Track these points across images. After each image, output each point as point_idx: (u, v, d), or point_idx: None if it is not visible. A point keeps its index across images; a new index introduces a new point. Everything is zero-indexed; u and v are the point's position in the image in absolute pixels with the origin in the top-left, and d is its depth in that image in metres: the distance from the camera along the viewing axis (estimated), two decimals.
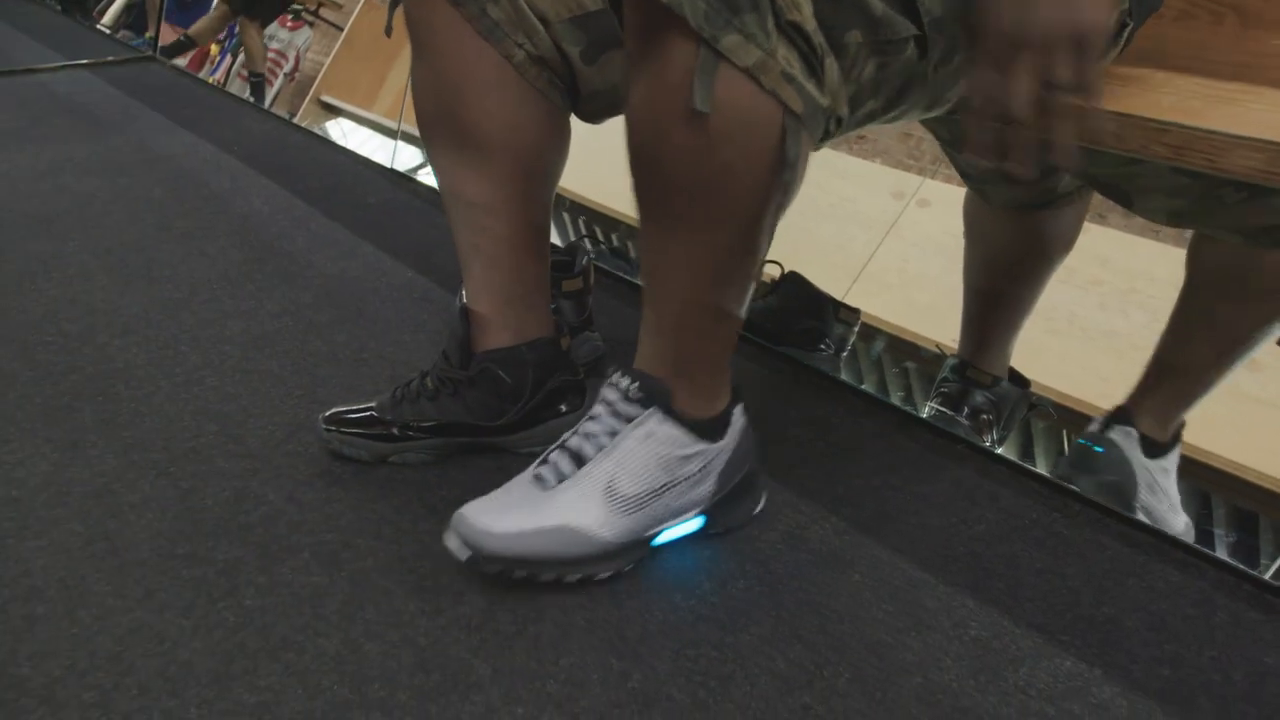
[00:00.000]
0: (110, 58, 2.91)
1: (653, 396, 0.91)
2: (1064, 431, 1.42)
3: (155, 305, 1.40)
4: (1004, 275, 1.36)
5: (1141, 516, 1.13)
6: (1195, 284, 1.13)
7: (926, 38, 0.79)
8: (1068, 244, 1.31)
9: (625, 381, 0.92)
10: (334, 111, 3.06)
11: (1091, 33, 0.66)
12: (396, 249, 1.64)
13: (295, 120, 2.51)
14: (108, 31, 3.42)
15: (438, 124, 1.01)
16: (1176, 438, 1.19)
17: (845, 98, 0.78)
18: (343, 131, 2.49)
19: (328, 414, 1.07)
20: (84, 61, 2.84)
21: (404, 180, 2.01)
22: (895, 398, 1.39)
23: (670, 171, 0.77)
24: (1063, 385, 1.49)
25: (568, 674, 0.83)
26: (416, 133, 2.45)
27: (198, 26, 2.91)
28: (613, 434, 0.91)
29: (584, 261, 1.26)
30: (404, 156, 2.16)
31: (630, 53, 0.76)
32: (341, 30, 2.68)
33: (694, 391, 0.92)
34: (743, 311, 0.90)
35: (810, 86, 0.73)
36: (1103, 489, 1.16)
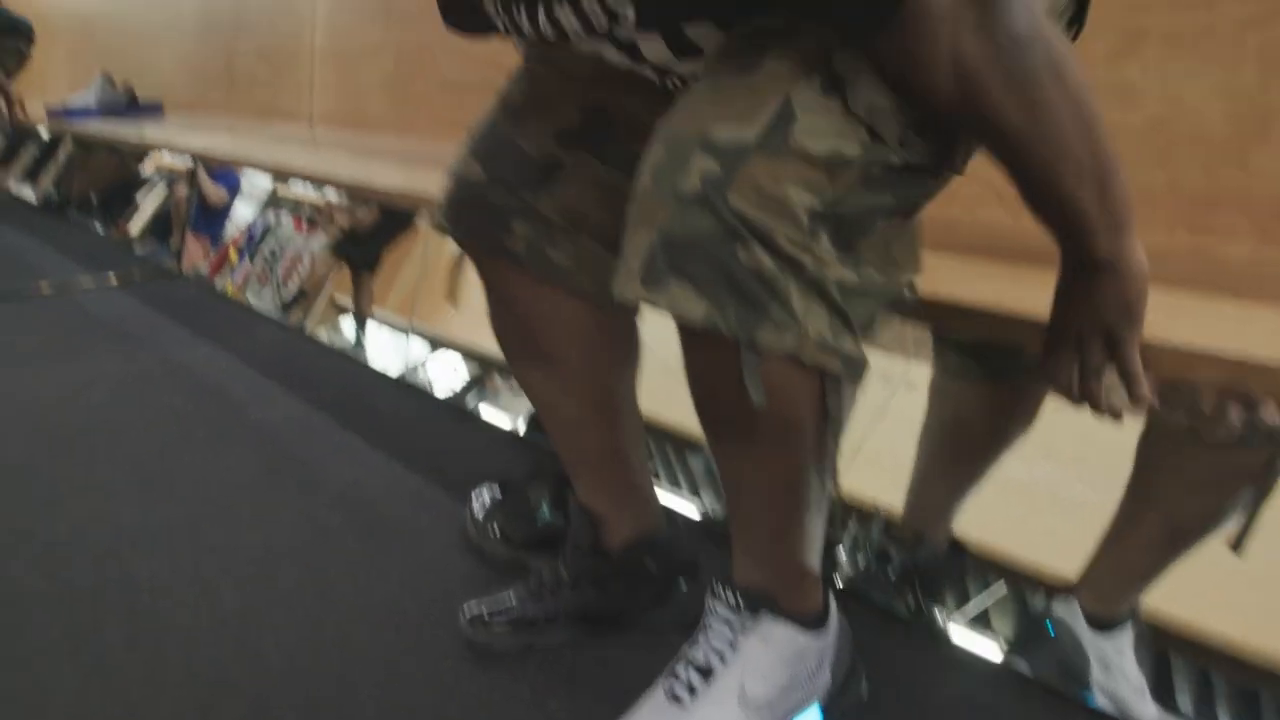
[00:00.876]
0: (137, 275, 3.08)
1: (759, 603, 0.98)
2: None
3: (178, 518, 1.47)
4: (956, 442, 1.42)
5: (1103, 701, 1.15)
6: (1140, 469, 1.18)
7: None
8: (1027, 419, 1.36)
9: (729, 594, 1.00)
10: (345, 310, 3.21)
11: (1140, 329, 0.78)
12: (407, 457, 1.72)
13: (311, 315, 2.64)
14: (134, 242, 3.61)
15: (521, 355, 1.13)
16: (1131, 616, 1.21)
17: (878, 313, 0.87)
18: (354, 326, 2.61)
19: (470, 609, 1.15)
20: (113, 280, 3.01)
21: (412, 390, 2.12)
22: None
23: (733, 427, 0.87)
24: (1043, 558, 1.53)
25: None
26: (427, 329, 2.59)
27: (313, 279, 3.03)
28: (732, 644, 0.99)
29: None
30: (415, 352, 2.27)
31: (682, 344, 0.85)
32: None
33: (793, 591, 0.99)
34: (823, 516, 0.97)
35: (845, 342, 0.79)
36: (1052, 665, 1.20)
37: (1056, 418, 1.35)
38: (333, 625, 1.22)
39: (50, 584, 1.28)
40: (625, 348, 1.15)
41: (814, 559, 1.00)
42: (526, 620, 1.15)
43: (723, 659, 0.99)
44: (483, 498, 1.43)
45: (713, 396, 0.85)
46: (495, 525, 1.36)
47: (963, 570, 1.48)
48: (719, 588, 1.02)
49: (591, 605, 1.18)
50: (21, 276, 3.08)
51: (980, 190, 1.36)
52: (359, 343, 2.33)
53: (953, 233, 1.03)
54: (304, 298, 2.96)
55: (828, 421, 0.84)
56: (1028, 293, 0.90)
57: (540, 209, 1.04)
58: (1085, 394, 0.81)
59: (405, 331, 2.46)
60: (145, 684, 1.10)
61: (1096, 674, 1.20)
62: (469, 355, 2.22)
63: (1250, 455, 1.05)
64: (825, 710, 1.06)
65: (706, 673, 0.99)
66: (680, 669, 1.01)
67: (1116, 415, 0.81)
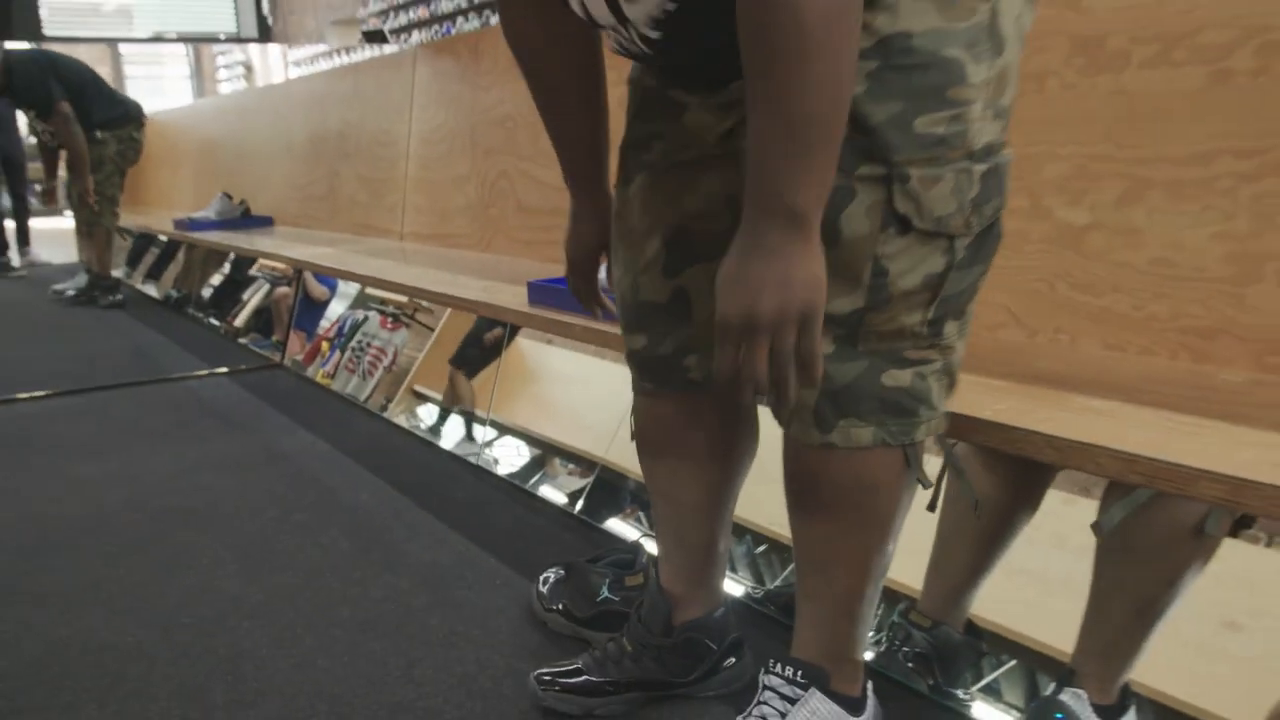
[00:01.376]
0: (244, 365, 3.36)
1: (813, 679, 1.08)
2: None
3: (277, 592, 1.63)
4: (971, 528, 1.45)
5: None
6: (1101, 548, 1.21)
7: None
8: (1033, 505, 1.40)
9: (788, 670, 1.10)
10: (424, 399, 3.40)
11: (810, 311, 0.80)
12: (481, 538, 1.86)
13: (391, 405, 2.83)
14: (239, 333, 3.89)
15: (658, 451, 1.24)
16: (1126, 698, 1.24)
17: None
18: (431, 415, 2.78)
19: (540, 675, 1.28)
20: (223, 369, 3.30)
21: (487, 476, 2.27)
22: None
23: (831, 510, 1.00)
24: (1064, 644, 1.58)
25: None
26: (499, 419, 2.74)
27: (395, 372, 3.25)
28: (783, 715, 1.08)
29: (644, 560, 1.46)
30: (480, 436, 2.42)
31: (790, 447, 1.02)
32: (433, 331, 3.04)
33: (843, 669, 1.09)
34: (878, 593, 1.09)
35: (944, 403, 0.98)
36: None
37: (1067, 509, 1.42)
38: (415, 692, 1.34)
39: (165, 647, 1.44)
40: (749, 440, 1.26)
41: (865, 639, 1.11)
42: (590, 687, 1.27)
43: None
44: (549, 578, 1.56)
45: (814, 487, 0.99)
46: (561, 603, 1.49)
47: (978, 652, 1.54)
48: (776, 663, 1.11)
49: (651, 676, 1.28)
50: (144, 364, 3.40)
51: (997, 313, 1.48)
52: (470, 437, 2.51)
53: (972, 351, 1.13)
54: (385, 386, 3.16)
55: (910, 491, 0.98)
56: (1040, 408, 1.04)
57: (696, 336, 1.11)
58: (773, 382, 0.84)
59: (483, 421, 2.62)
60: None
61: None
62: (531, 440, 2.36)
63: (1188, 515, 1.08)
64: None
65: None
66: None
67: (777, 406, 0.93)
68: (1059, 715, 1.31)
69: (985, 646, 1.49)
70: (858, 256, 0.87)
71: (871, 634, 1.61)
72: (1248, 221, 1.23)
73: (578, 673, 1.28)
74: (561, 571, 1.55)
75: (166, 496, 2.06)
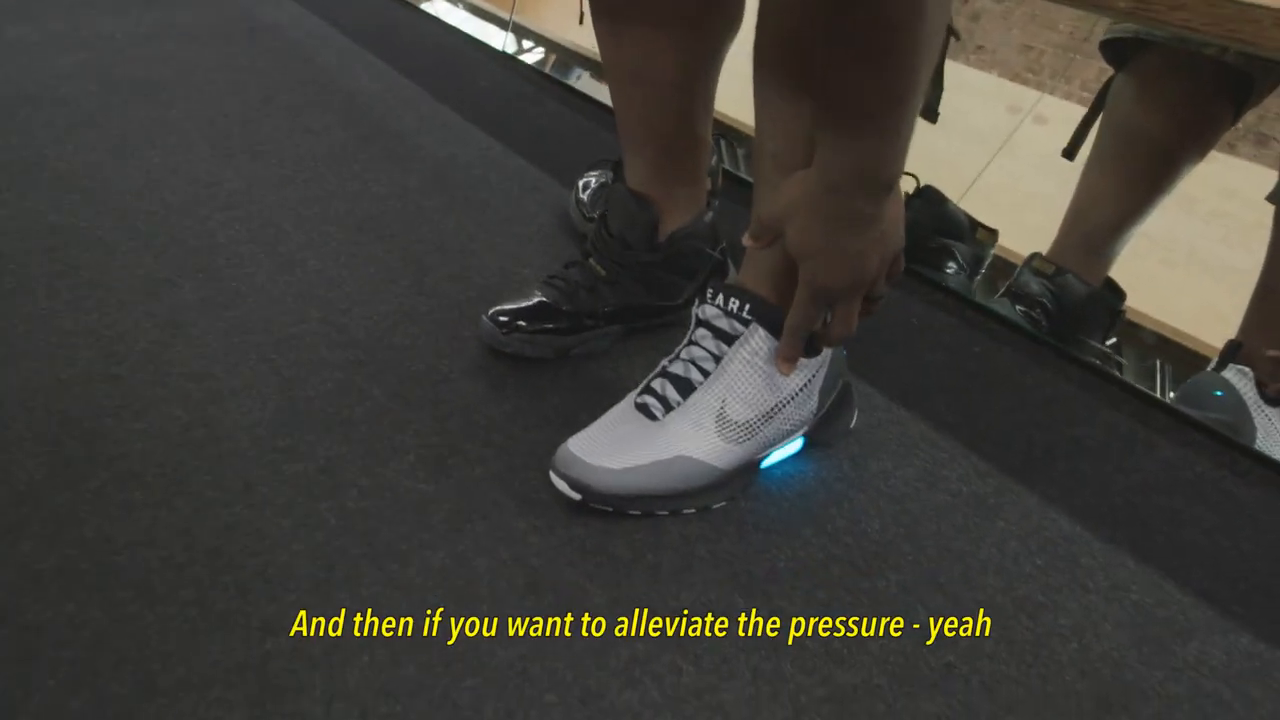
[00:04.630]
0: None
1: (760, 314, 0.83)
2: (1159, 363, 1.31)
3: (258, 180, 1.34)
4: (1130, 157, 1.27)
5: None
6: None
7: None
8: (1205, 143, 1.22)
9: (732, 301, 0.84)
10: None
11: (872, 283, 0.77)
12: (508, 135, 1.55)
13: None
14: None
15: (630, 2, 0.93)
16: None
17: None
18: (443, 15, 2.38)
19: (497, 315, 1.01)
20: None
21: (516, 65, 1.91)
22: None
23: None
24: (1177, 321, 1.38)
25: (690, 610, 0.76)
26: (526, 25, 2.35)
27: None
28: (717, 357, 0.85)
29: (713, 161, 1.15)
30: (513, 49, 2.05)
31: None
32: None
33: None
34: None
35: None
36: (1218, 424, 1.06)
37: (1202, 168, 1.22)
38: (426, 304, 1.10)
39: (124, 234, 1.18)
40: (731, 11, 0.96)
41: None
42: (561, 323, 1.02)
43: (705, 372, 0.85)
44: (589, 182, 1.27)
45: None
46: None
47: (1111, 310, 1.30)
48: (713, 293, 0.86)
49: (633, 301, 1.05)
50: None
51: None
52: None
53: None
54: None
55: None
56: None
57: None
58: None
59: (505, 25, 2.21)
60: (221, 340, 1.00)
61: (1261, 443, 1.06)
62: (566, 52, 1.99)
63: None
64: (810, 440, 0.94)
65: (686, 387, 0.86)
66: (657, 382, 0.87)
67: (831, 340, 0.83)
68: (1218, 393, 1.09)
69: (1123, 306, 1.26)
70: None
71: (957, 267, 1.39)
72: None
73: (543, 309, 1.01)
74: (610, 174, 1.25)
75: (123, 66, 1.71)
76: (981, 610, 0.80)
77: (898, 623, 0.77)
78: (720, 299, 0.85)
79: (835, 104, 0.67)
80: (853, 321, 0.79)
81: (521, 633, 0.72)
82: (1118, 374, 1.14)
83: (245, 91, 1.65)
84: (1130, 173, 1.27)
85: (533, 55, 2.01)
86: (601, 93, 1.74)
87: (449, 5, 2.41)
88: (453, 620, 0.73)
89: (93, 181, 1.29)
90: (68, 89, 1.57)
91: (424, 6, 2.34)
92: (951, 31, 1.25)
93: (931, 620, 0.78)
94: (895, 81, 0.63)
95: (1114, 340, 1.31)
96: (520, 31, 2.09)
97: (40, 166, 1.32)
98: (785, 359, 0.83)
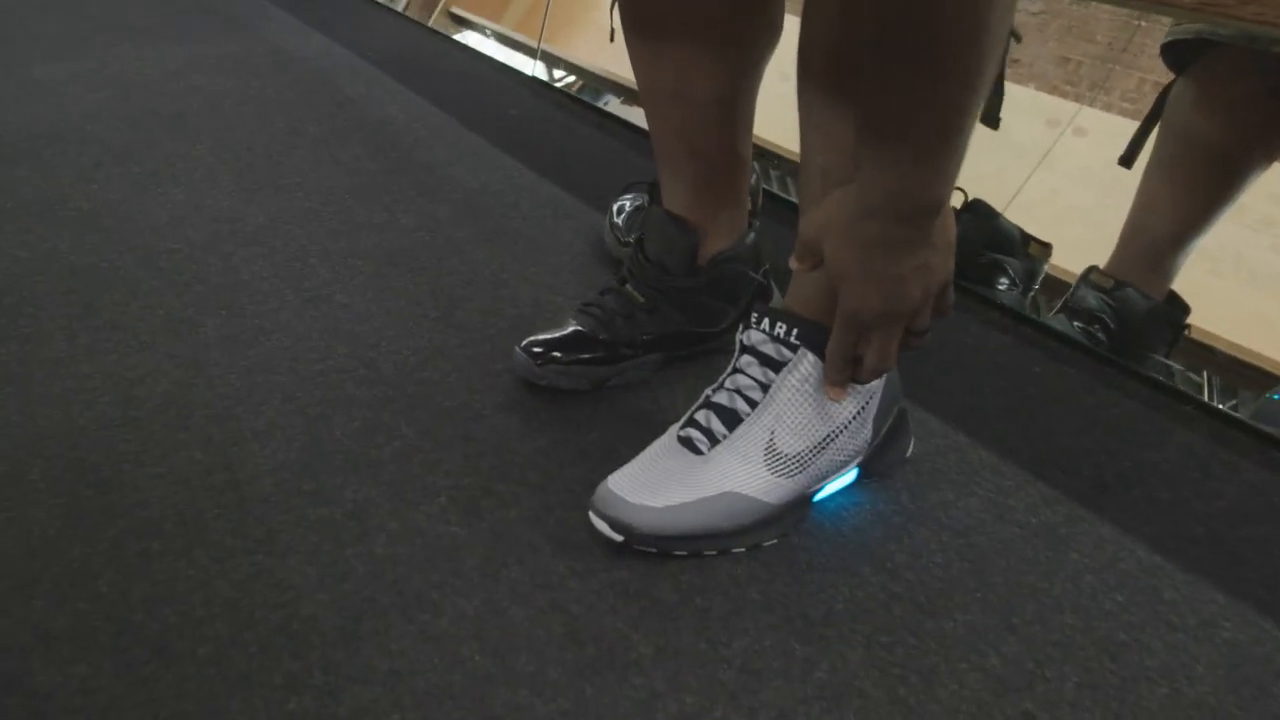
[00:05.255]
0: None
1: (809, 338, 0.78)
2: (1205, 374, 1.24)
3: (284, 214, 1.31)
4: (1190, 164, 1.22)
5: None
6: None
7: None
8: (1272, 149, 1.16)
9: (779, 326, 0.79)
10: (462, 24, 2.94)
11: (911, 315, 0.72)
12: (539, 163, 1.51)
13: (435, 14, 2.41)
14: None
15: (653, 25, 0.89)
16: None
17: None
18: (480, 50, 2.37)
19: (531, 346, 0.96)
20: None
21: (547, 90, 1.88)
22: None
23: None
24: (1226, 331, 1.31)
25: (743, 659, 0.70)
26: (555, 52, 2.33)
27: None
28: (764, 385, 0.79)
29: (753, 181, 1.11)
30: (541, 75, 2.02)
31: None
32: None
33: None
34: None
35: None
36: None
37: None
38: (458, 338, 1.06)
39: (146, 273, 1.15)
40: (771, 22, 0.91)
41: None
42: (602, 347, 0.97)
43: (751, 402, 0.80)
44: (624, 206, 1.22)
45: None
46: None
47: (1174, 325, 1.24)
48: (758, 317, 0.81)
49: (673, 329, 0.99)
50: None
51: None
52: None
53: None
54: (416, 8, 2.70)
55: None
56: None
57: None
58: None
59: (532, 51, 2.19)
60: (244, 380, 0.96)
61: None
62: (594, 80, 1.95)
63: None
64: (864, 471, 0.88)
65: (732, 418, 0.80)
66: (701, 413, 0.82)
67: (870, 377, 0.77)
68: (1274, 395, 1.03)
69: (1188, 321, 1.19)
70: None
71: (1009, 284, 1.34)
72: None
73: (578, 338, 0.96)
74: (645, 197, 1.20)
75: (150, 101, 1.69)
76: (1058, 652, 0.73)
77: (967, 667, 0.71)
78: (766, 324, 0.80)
79: (879, 119, 0.62)
80: (890, 354, 0.74)
81: (562, 686, 0.67)
82: (1194, 394, 1.07)
83: (272, 124, 1.62)
84: (1191, 180, 1.21)
85: (562, 82, 1.97)
86: (634, 115, 1.71)
87: (479, 35, 2.40)
88: (489, 674, 0.67)
89: (115, 219, 1.26)
90: (93, 127, 1.56)
91: (456, 37, 2.33)
92: (1012, 33, 1.20)
93: (1004, 664, 0.72)
94: (951, 99, 0.59)
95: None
96: (549, 59, 2.06)
97: (62, 205, 1.30)
98: (832, 384, 0.78)
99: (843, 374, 0.77)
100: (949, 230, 0.71)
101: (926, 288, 0.71)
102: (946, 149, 0.62)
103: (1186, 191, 1.22)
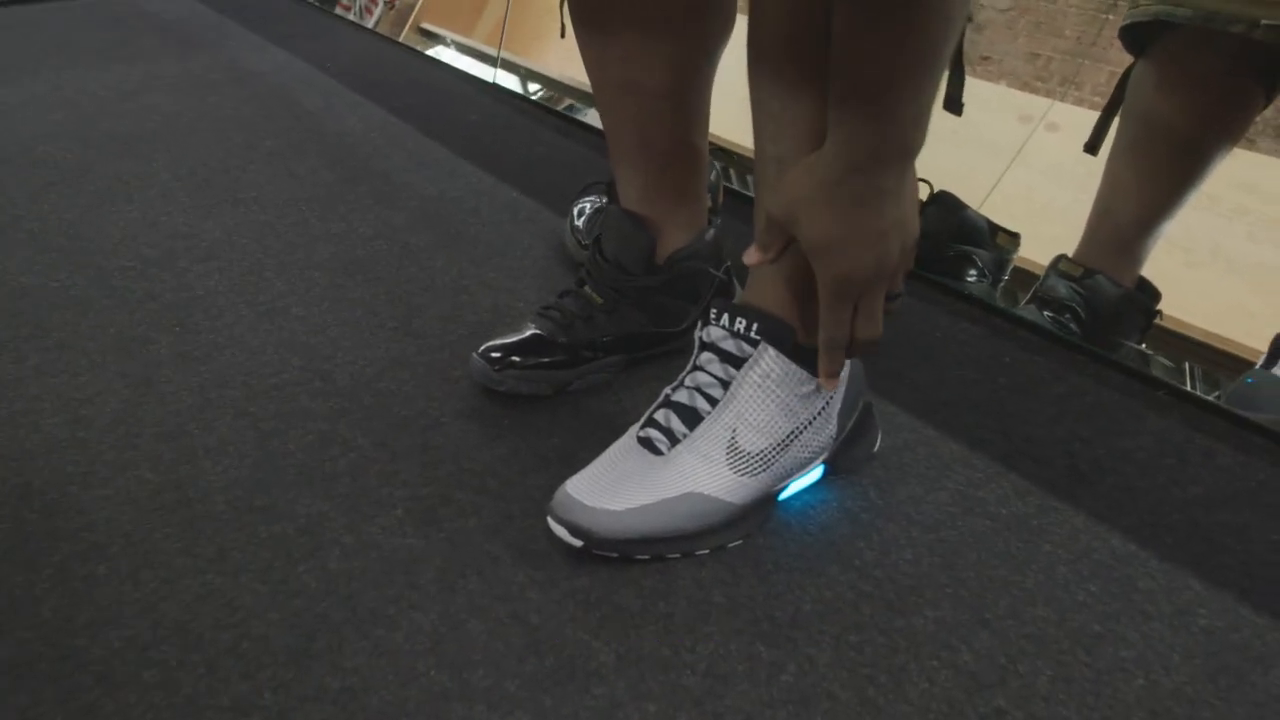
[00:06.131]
0: None
1: (770, 333, 0.76)
2: (1187, 365, 1.23)
3: (239, 229, 1.29)
4: (1153, 147, 1.21)
5: None
6: None
7: None
8: (1236, 130, 1.17)
9: (738, 321, 0.77)
10: (433, 39, 2.93)
11: (893, 275, 0.71)
12: (499, 169, 1.49)
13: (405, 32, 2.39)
14: None
15: (602, 17, 0.88)
16: None
17: None
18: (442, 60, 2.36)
19: (488, 351, 0.94)
20: None
21: (507, 97, 1.86)
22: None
23: None
24: (1203, 321, 1.31)
25: (708, 664, 0.69)
26: (515, 60, 2.32)
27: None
28: (725, 383, 0.78)
29: (713, 177, 1.09)
30: (503, 83, 2.01)
31: None
32: None
33: (810, 317, 0.77)
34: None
35: None
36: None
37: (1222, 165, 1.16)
38: (415, 346, 1.04)
39: (98, 292, 1.12)
40: (722, 12, 0.90)
41: None
42: (562, 350, 0.95)
43: (712, 400, 0.78)
44: (584, 208, 1.21)
45: None
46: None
47: (1145, 311, 1.23)
48: (717, 313, 0.79)
49: (633, 330, 0.98)
50: None
51: None
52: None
53: None
54: (386, 24, 2.68)
55: None
56: None
57: None
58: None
59: (493, 62, 2.17)
60: (196, 396, 0.94)
61: None
62: (557, 88, 1.94)
63: None
64: (830, 467, 0.86)
65: (692, 417, 0.79)
66: (660, 413, 0.80)
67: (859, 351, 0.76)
68: (1248, 379, 1.02)
69: (1158, 307, 1.19)
70: None
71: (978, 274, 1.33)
72: None
73: (537, 342, 0.95)
74: (603, 198, 1.19)
75: (105, 122, 1.66)
76: (1032, 646, 0.72)
77: (939, 665, 0.70)
78: (726, 319, 0.78)
79: (855, 73, 0.62)
80: (879, 319, 0.73)
81: (520, 699, 0.65)
82: (1166, 379, 1.06)
83: (228, 140, 1.60)
84: (1155, 164, 1.21)
85: (521, 88, 1.96)
86: (594, 118, 1.69)
87: (444, 48, 2.39)
88: (444, 689, 0.65)
89: (67, 239, 1.24)
90: (46, 148, 1.53)
91: (429, 52, 2.31)
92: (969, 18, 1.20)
93: (976, 660, 0.70)
94: (921, 37, 0.59)
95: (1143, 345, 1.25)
96: (508, 66, 2.05)
97: (13, 226, 1.27)
98: (830, 375, 0.77)
99: (839, 360, 0.76)
100: (914, 183, 0.71)
101: (904, 242, 0.70)
102: (920, 89, 0.62)
103: (1151, 175, 1.22)
